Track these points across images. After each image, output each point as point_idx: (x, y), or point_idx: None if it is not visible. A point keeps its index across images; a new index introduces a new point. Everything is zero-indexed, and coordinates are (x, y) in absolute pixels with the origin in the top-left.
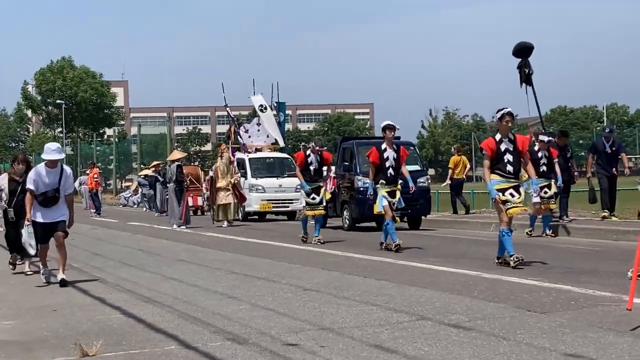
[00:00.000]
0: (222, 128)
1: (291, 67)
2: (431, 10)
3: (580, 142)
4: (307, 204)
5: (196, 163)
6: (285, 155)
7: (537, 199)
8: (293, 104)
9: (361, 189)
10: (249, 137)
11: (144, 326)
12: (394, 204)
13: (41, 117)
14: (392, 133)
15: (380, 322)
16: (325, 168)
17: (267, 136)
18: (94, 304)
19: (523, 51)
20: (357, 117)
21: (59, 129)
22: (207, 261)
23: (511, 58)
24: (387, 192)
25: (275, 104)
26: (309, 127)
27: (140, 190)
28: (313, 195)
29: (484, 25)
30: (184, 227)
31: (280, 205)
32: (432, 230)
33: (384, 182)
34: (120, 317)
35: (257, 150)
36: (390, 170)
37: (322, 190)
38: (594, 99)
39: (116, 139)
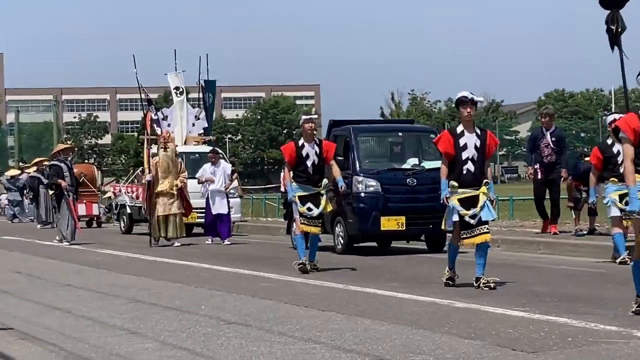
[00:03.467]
0: (126, 115)
1: (215, 38)
2: None
3: (582, 135)
4: (302, 215)
5: (91, 160)
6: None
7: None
8: (217, 84)
9: (362, 195)
10: (169, 125)
11: None
12: (473, 216)
13: None
14: (470, 111)
15: None
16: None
17: (193, 125)
18: None
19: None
20: (299, 102)
21: None
22: (102, 286)
23: (496, 31)
24: (461, 199)
25: (202, 83)
26: (237, 115)
27: (5, 195)
28: (309, 205)
29: None
30: (67, 243)
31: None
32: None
33: (455, 184)
34: None
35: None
36: (470, 165)
37: (323, 199)
38: (598, 81)
39: None
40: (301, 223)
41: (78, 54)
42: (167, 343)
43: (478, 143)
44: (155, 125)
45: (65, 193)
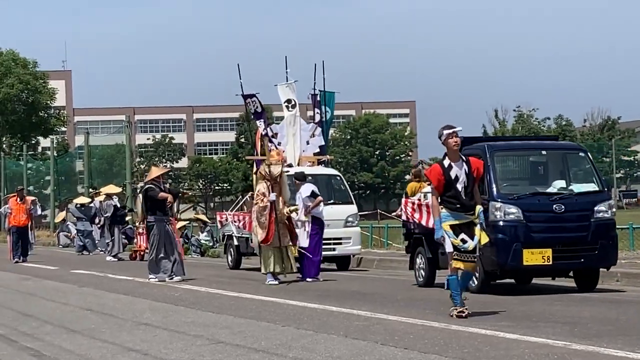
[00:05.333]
0: (204, 136)
1: (298, 48)
2: None
3: None
4: (456, 248)
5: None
6: (333, 171)
7: None
8: (302, 102)
9: (500, 223)
10: (279, 143)
11: None
12: None
13: None
14: None
15: None
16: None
17: (308, 142)
18: None
19: None
20: (392, 120)
21: None
22: (182, 325)
23: (609, 42)
24: None
25: (317, 95)
26: None
27: (74, 225)
28: (463, 236)
29: None
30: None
31: (324, 247)
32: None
33: None
34: None
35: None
36: None
37: (477, 229)
38: None
39: (55, 153)
40: (454, 258)
41: (151, 70)
42: None
43: None
44: (268, 142)
45: (164, 218)
